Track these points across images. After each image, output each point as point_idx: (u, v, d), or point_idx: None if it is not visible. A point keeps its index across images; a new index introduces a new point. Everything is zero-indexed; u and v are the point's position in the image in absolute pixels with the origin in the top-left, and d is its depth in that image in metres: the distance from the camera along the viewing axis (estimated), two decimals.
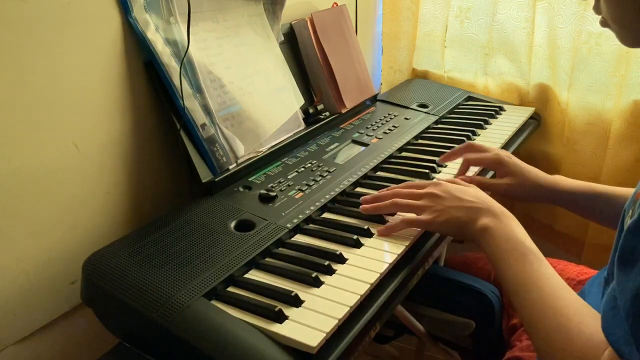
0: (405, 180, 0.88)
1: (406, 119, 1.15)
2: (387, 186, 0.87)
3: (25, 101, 0.66)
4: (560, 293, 0.56)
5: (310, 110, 1.05)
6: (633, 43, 0.58)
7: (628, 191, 0.80)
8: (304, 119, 1.03)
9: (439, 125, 1.16)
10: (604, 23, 0.59)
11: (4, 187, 0.65)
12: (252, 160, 0.88)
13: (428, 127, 1.13)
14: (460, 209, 0.69)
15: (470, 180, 0.85)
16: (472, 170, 0.91)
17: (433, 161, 0.94)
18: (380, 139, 1.04)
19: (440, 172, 0.93)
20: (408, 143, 1.04)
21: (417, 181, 0.80)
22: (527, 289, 0.58)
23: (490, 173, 0.94)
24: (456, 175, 0.90)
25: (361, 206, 0.76)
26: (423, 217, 0.71)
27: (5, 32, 0.62)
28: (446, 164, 0.95)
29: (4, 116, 0.64)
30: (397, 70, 1.44)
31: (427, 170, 0.91)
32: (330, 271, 0.66)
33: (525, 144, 1.18)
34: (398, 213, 0.76)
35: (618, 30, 0.58)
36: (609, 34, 1.00)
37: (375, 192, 0.80)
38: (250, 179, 0.85)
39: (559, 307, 0.55)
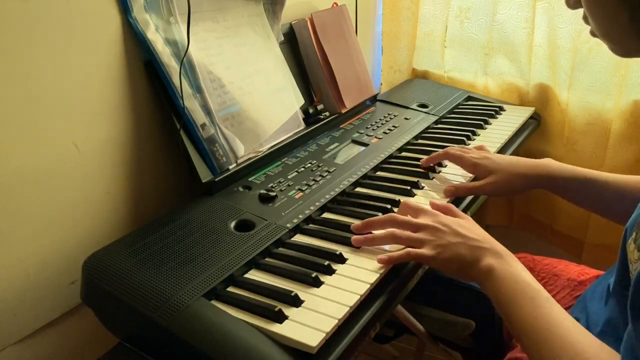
0: (405, 180, 0.88)
1: (406, 119, 1.15)
2: (387, 186, 0.87)
3: (26, 101, 0.66)
4: (577, 336, 0.54)
5: (310, 110, 1.05)
6: (623, 54, 0.58)
7: (622, 178, 0.80)
8: (304, 119, 1.03)
9: (439, 125, 1.16)
10: (593, 33, 0.59)
11: (4, 187, 0.65)
12: (252, 160, 0.88)
13: (428, 127, 1.13)
14: (463, 246, 0.65)
15: (456, 188, 0.85)
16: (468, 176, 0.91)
17: None
18: (380, 139, 1.04)
19: (439, 172, 0.93)
20: (408, 143, 1.04)
21: (408, 202, 0.75)
22: (541, 334, 0.56)
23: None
24: (426, 159, 0.91)
25: (353, 237, 0.71)
26: (425, 251, 0.66)
27: (5, 32, 0.62)
28: (446, 164, 0.95)
29: (4, 116, 0.64)
30: (397, 70, 1.44)
31: (427, 171, 0.91)
32: (330, 271, 0.66)
33: (525, 144, 1.18)
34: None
35: (607, 42, 0.58)
36: None
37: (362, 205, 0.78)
38: (250, 179, 0.85)
39: (578, 352, 0.53)
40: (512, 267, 0.62)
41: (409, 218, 0.71)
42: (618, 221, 0.76)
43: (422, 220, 0.69)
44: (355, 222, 0.74)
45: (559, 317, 0.56)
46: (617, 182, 0.80)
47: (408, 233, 0.69)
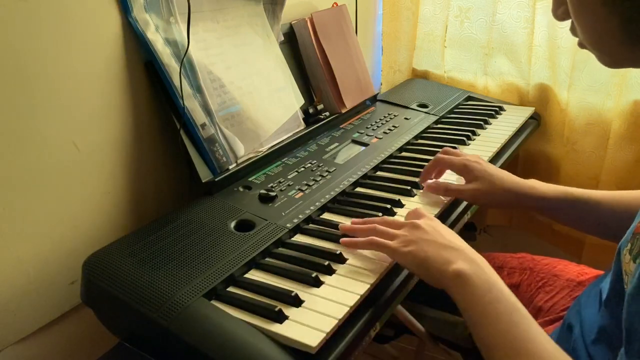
0: (405, 180, 0.88)
1: (406, 119, 1.15)
2: (387, 186, 0.87)
3: (26, 101, 0.66)
4: (555, 357, 0.51)
5: (310, 110, 1.05)
6: (612, 64, 0.57)
7: (608, 195, 0.78)
8: (304, 119, 1.03)
9: (439, 125, 1.16)
10: (582, 45, 0.58)
11: (4, 187, 0.65)
12: (252, 160, 0.88)
13: (428, 127, 1.13)
14: (432, 244, 0.61)
15: (437, 186, 0.83)
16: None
17: None
18: (380, 139, 1.04)
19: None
20: (408, 143, 1.04)
21: (392, 218, 0.72)
22: (516, 353, 0.52)
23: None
24: (422, 176, 0.87)
25: (342, 239, 0.70)
26: (389, 242, 0.64)
27: (5, 32, 0.62)
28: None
29: (4, 116, 0.64)
30: (397, 70, 1.44)
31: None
32: (330, 271, 0.66)
33: (525, 144, 1.19)
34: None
35: (596, 53, 0.57)
36: None
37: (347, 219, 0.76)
38: (250, 179, 0.85)
39: None
40: (486, 275, 0.58)
41: (391, 222, 0.69)
42: (610, 239, 0.74)
43: (401, 230, 0.67)
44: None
45: (537, 338, 0.53)
46: (603, 199, 0.78)
47: (385, 227, 0.67)
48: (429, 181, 0.86)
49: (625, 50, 0.53)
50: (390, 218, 0.70)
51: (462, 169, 0.84)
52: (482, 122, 1.14)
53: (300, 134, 0.99)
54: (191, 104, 0.81)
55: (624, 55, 0.54)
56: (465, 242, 0.64)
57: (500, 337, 0.53)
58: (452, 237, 0.64)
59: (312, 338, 0.55)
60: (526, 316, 0.55)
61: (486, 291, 0.56)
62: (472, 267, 0.58)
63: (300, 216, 0.76)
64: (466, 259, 0.59)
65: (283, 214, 0.77)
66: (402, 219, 0.70)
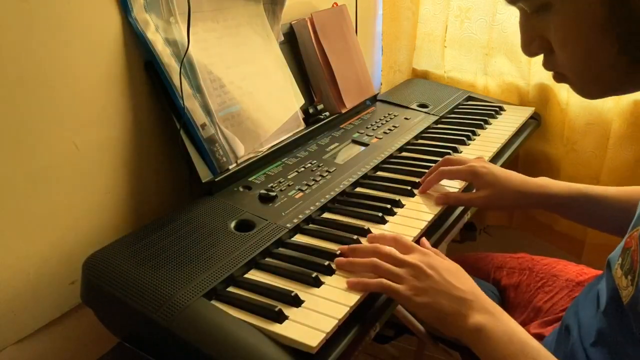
0: (405, 180, 0.88)
1: (406, 119, 1.15)
2: (387, 186, 0.87)
3: (26, 101, 0.66)
4: None
5: (310, 110, 1.05)
6: (596, 94, 0.55)
7: (619, 191, 0.78)
8: (304, 119, 1.03)
9: (439, 125, 1.16)
10: (558, 77, 0.55)
11: (4, 186, 0.65)
12: (252, 160, 0.88)
13: (428, 127, 1.13)
14: (446, 295, 0.59)
15: (447, 197, 0.82)
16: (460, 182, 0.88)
17: (433, 161, 0.94)
18: (380, 139, 1.04)
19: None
20: (408, 143, 1.04)
21: (401, 238, 0.68)
22: None
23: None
24: (422, 185, 0.85)
25: (336, 259, 0.67)
26: (401, 289, 0.61)
27: (5, 32, 0.62)
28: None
29: (4, 116, 0.64)
30: (397, 70, 1.44)
31: (427, 171, 0.91)
32: (330, 271, 0.66)
33: (525, 144, 1.19)
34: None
35: (581, 83, 0.54)
36: None
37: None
38: (250, 179, 0.85)
39: None
40: (503, 324, 0.58)
41: (394, 251, 0.65)
42: (619, 234, 0.75)
43: (408, 257, 0.64)
44: (356, 222, 0.74)
45: None
46: (615, 195, 0.77)
47: (389, 266, 0.63)
48: (440, 195, 0.83)
49: (616, 75, 0.51)
50: (385, 249, 0.66)
51: (471, 176, 0.83)
52: (482, 122, 1.14)
53: (300, 134, 0.99)
54: (191, 104, 0.81)
55: (612, 82, 0.52)
56: (471, 281, 0.63)
57: None
58: (459, 279, 0.62)
59: (312, 338, 0.55)
60: (547, 356, 0.55)
61: (507, 344, 0.56)
62: (488, 320, 0.58)
63: (300, 216, 0.76)
64: (481, 308, 0.59)
65: (283, 214, 0.77)
66: (388, 234, 0.69)
